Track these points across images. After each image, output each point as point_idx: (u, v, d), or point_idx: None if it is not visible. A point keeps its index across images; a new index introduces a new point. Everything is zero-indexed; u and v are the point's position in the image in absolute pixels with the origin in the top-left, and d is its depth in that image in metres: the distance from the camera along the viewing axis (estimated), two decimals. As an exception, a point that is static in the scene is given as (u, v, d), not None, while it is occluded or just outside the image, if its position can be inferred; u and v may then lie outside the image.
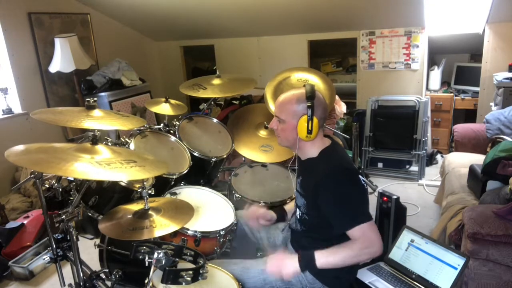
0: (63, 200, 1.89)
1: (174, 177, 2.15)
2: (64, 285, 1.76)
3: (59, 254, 1.74)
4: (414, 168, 3.83)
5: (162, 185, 2.13)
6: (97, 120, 1.60)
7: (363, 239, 1.39)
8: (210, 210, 1.97)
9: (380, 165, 3.94)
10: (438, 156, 4.12)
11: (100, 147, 1.45)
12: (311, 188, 1.50)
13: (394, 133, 3.80)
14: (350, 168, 1.49)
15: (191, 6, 4.09)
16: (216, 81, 2.72)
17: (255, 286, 1.53)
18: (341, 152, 1.58)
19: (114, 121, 1.66)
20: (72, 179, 1.83)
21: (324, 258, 1.42)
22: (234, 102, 4.21)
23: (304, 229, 1.60)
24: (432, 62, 4.42)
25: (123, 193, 1.99)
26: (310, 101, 1.45)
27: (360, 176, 1.50)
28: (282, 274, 1.45)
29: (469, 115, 4.12)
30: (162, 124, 2.57)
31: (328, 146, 1.56)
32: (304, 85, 1.52)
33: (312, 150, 1.55)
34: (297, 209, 1.65)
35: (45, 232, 2.86)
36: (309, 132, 1.46)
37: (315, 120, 1.46)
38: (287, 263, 1.46)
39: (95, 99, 1.73)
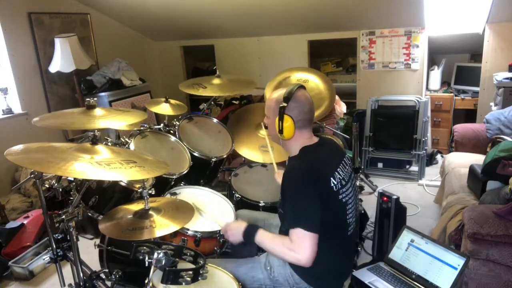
0: (63, 200, 1.89)
1: (174, 177, 2.15)
2: (64, 285, 1.76)
3: (59, 254, 1.74)
4: (414, 168, 3.83)
5: (162, 185, 2.13)
6: (99, 118, 1.60)
7: (294, 242, 1.41)
8: (210, 210, 1.97)
9: (380, 165, 3.94)
10: (438, 156, 4.12)
11: (99, 147, 1.45)
12: (282, 184, 1.52)
13: (394, 133, 3.80)
14: (315, 170, 1.45)
15: (191, 6, 4.09)
16: (216, 81, 2.72)
17: (244, 283, 1.56)
18: (320, 152, 1.55)
19: (116, 117, 1.66)
20: (72, 179, 1.83)
21: (263, 238, 1.52)
22: (234, 102, 4.21)
23: (281, 223, 1.62)
24: (432, 62, 4.42)
25: (123, 193, 1.99)
26: (284, 102, 1.48)
27: (330, 181, 1.45)
28: (227, 234, 1.63)
29: (469, 115, 4.11)
30: (162, 124, 2.57)
31: (310, 144, 1.54)
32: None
33: (295, 148, 1.55)
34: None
35: (45, 232, 2.86)
36: (280, 131, 1.49)
37: (288, 120, 1.47)
38: (235, 229, 1.60)
39: (95, 99, 1.73)
